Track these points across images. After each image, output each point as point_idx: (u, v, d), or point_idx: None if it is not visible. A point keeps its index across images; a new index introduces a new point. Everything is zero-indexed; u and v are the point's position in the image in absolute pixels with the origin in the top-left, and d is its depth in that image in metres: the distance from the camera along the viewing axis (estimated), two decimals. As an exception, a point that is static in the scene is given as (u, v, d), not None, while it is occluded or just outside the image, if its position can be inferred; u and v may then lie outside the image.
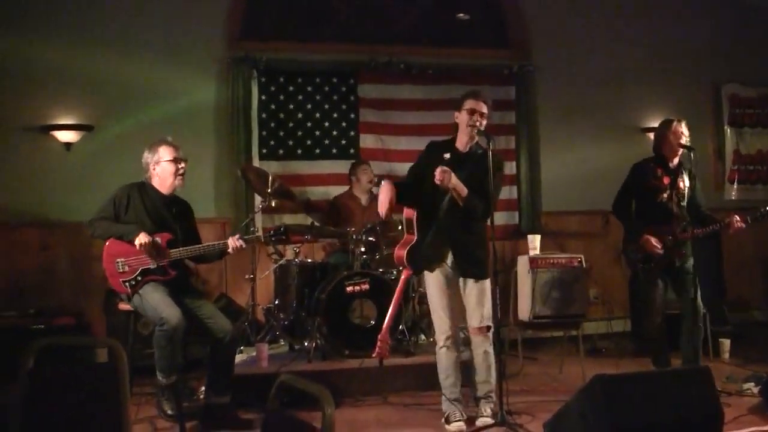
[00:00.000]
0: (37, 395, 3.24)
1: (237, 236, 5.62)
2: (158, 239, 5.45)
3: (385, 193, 5.14)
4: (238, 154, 7.92)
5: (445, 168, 5.06)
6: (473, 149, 5.29)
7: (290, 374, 2.52)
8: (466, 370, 5.47)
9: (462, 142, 5.33)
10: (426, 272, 5.38)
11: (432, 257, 5.30)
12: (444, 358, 5.36)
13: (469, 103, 5.28)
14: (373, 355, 5.63)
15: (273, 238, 5.77)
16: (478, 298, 5.27)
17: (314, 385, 2.39)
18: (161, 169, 5.60)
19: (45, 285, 7.58)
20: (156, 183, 5.63)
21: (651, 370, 5.79)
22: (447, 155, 5.28)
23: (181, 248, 5.50)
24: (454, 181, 5.06)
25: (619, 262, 8.14)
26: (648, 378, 4.28)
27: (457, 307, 5.36)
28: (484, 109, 5.26)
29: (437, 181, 5.02)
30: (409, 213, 5.49)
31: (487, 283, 5.28)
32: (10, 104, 7.59)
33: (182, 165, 5.62)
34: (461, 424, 5.26)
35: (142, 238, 5.33)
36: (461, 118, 5.29)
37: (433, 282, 5.35)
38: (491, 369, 5.33)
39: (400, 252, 5.44)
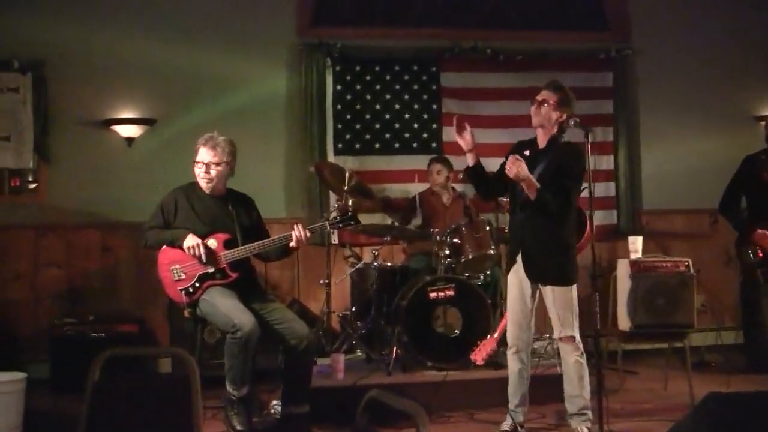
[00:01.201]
0: (104, 408, 3.27)
1: (300, 226, 5.63)
2: (212, 241, 5.49)
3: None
4: (312, 150, 7.96)
5: (518, 157, 5.10)
6: (552, 143, 5.30)
7: (379, 390, 2.50)
8: (559, 384, 5.45)
9: (539, 138, 5.39)
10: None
11: (510, 258, 5.46)
12: (508, 364, 5.53)
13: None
14: (471, 356, 5.96)
15: (341, 224, 5.79)
16: (557, 305, 5.26)
17: (407, 402, 2.36)
18: (195, 171, 5.67)
19: (106, 289, 7.73)
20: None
21: (771, 389, 5.64)
22: (527, 152, 5.34)
23: (238, 248, 5.52)
24: (524, 173, 5.06)
25: (729, 266, 8.03)
26: (770, 397, 4.14)
27: (527, 316, 5.42)
28: (546, 96, 5.29)
29: (507, 172, 5.07)
30: None
31: (571, 290, 5.26)
32: (69, 97, 7.73)
33: (201, 167, 5.61)
34: None
35: (189, 241, 5.39)
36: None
37: (508, 284, 5.50)
38: (584, 381, 5.29)
39: None
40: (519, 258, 5.35)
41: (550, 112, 5.26)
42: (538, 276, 5.30)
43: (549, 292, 5.27)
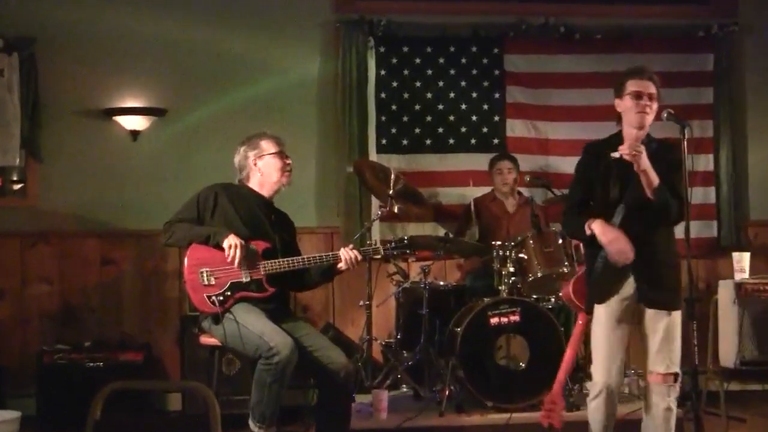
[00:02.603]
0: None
1: (350, 246, 5.70)
2: (253, 246, 5.54)
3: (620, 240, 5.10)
4: (350, 147, 7.95)
5: (639, 144, 5.00)
6: (646, 144, 5.16)
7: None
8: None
9: (630, 137, 5.23)
10: (596, 305, 5.28)
11: (606, 285, 5.20)
12: (592, 414, 5.31)
13: (631, 85, 5.18)
14: (540, 419, 5.62)
15: (395, 252, 5.82)
16: (667, 335, 5.13)
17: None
18: (265, 164, 5.74)
19: (105, 310, 7.77)
20: (255, 182, 5.77)
21: None
22: (615, 154, 5.18)
23: (280, 260, 5.57)
24: (646, 162, 4.97)
25: None
26: None
27: (625, 351, 5.28)
28: (653, 89, 5.17)
29: (630, 158, 4.95)
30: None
31: (679, 315, 5.16)
32: (64, 82, 7.77)
33: (289, 160, 5.79)
34: None
35: (231, 240, 5.41)
36: (625, 105, 5.21)
37: (602, 315, 5.24)
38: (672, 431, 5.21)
39: (566, 289, 5.52)
40: (628, 285, 5.17)
41: (655, 107, 5.17)
42: (654, 300, 5.14)
43: (661, 318, 5.14)
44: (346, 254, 5.58)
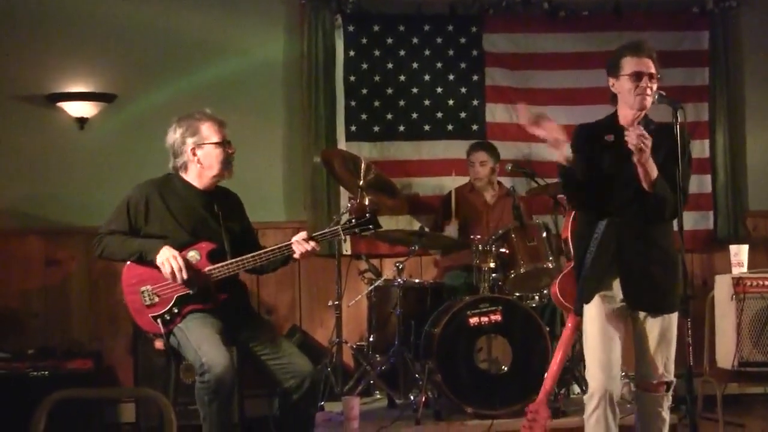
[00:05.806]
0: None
1: (303, 235, 5.52)
2: (194, 253, 5.44)
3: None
4: (317, 134, 7.97)
5: (647, 135, 4.86)
6: (644, 127, 5.04)
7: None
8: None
9: (627, 119, 5.15)
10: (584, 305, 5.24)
11: (592, 283, 5.15)
12: (593, 427, 5.16)
13: (629, 64, 5.09)
14: (521, 430, 5.64)
15: (356, 230, 5.61)
16: (660, 341, 5.11)
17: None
18: (205, 155, 5.55)
19: (50, 314, 7.74)
20: (192, 174, 5.60)
21: None
22: (610, 137, 5.13)
23: (228, 262, 5.48)
24: (648, 155, 4.86)
25: None
26: None
27: (620, 355, 5.17)
28: (653, 68, 5.09)
29: (631, 145, 4.84)
30: (566, 232, 5.45)
31: (675, 318, 5.13)
32: (4, 66, 7.74)
33: (232, 150, 5.61)
34: None
35: (164, 254, 5.31)
36: (621, 86, 5.12)
37: (591, 316, 5.17)
38: (664, 439, 5.23)
39: (553, 288, 5.48)
40: (615, 285, 5.11)
41: (655, 88, 5.05)
42: (642, 303, 5.11)
43: (653, 322, 5.11)
44: (301, 247, 5.43)
